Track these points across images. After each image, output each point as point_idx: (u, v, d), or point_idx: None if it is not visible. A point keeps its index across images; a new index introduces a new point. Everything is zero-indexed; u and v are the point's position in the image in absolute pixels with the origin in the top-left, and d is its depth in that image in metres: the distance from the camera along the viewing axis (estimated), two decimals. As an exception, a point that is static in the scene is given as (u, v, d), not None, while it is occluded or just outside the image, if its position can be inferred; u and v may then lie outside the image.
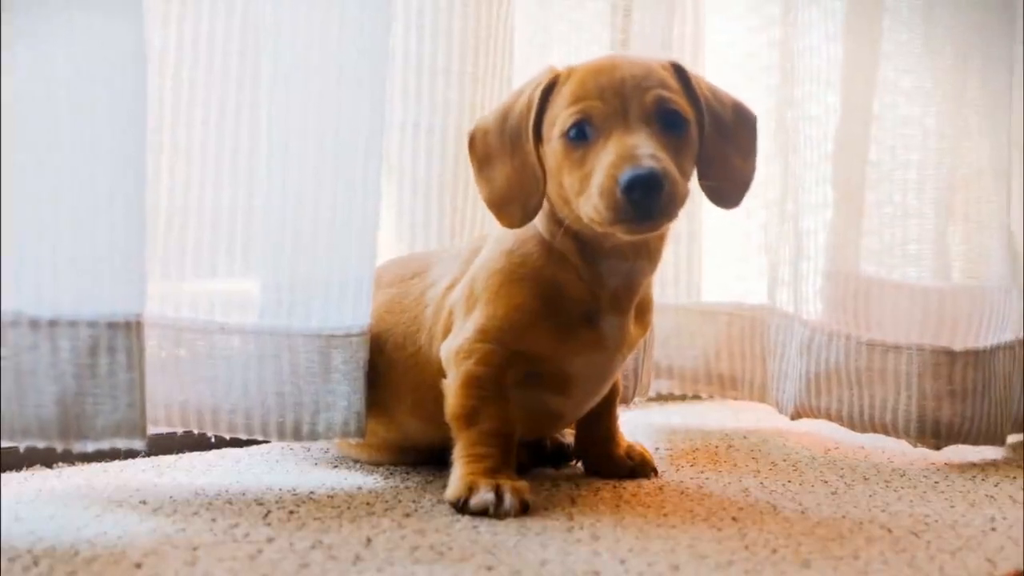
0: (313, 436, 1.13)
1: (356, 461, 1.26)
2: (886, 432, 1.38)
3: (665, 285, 1.56)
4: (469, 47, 1.35)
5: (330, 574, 0.84)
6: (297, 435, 1.13)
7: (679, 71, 1.08)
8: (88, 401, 0.97)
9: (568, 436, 1.28)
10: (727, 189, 1.10)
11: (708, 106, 1.08)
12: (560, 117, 1.04)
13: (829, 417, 1.41)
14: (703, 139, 1.07)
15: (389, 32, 1.15)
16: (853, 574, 0.87)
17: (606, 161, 0.99)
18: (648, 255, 1.10)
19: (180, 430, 1.14)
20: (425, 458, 1.22)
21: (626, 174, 0.96)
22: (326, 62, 1.11)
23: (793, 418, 1.44)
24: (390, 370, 1.16)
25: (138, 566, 0.85)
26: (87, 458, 1.19)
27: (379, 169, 1.14)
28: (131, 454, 1.22)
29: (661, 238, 1.10)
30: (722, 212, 1.58)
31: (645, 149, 0.98)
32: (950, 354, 1.35)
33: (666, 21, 1.45)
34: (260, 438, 1.14)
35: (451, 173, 1.35)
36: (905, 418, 1.36)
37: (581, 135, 1.02)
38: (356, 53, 1.11)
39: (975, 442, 1.37)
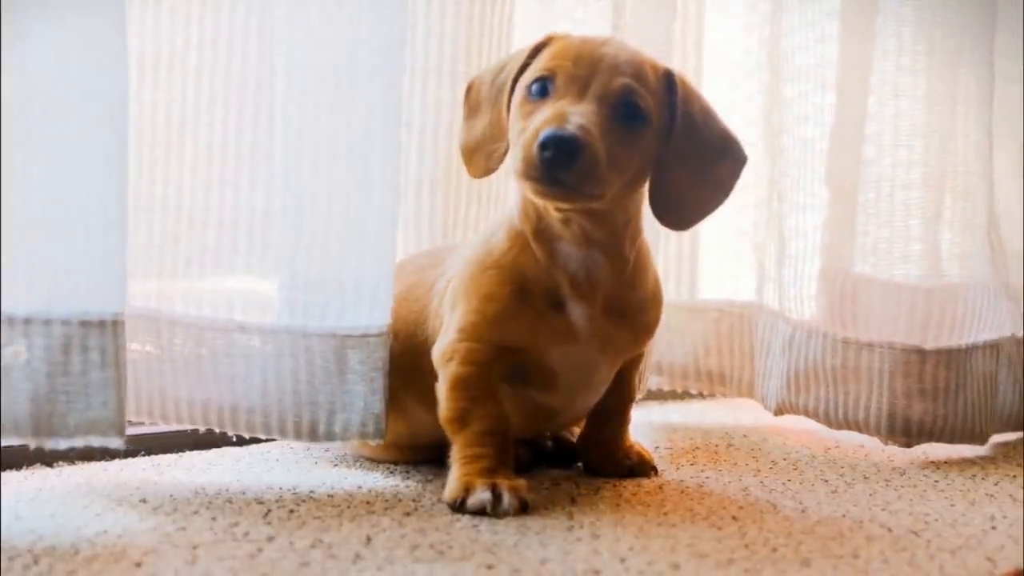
0: (330, 436, 1.13)
1: (358, 459, 1.25)
2: (859, 430, 1.38)
3: (666, 282, 1.56)
4: (461, 46, 1.34)
5: (330, 573, 0.84)
6: (313, 435, 1.13)
7: (668, 78, 1.07)
8: (61, 399, 0.97)
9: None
10: (675, 208, 1.09)
11: (687, 120, 1.07)
12: (530, 71, 1.05)
13: (807, 414, 1.42)
14: (670, 150, 1.06)
15: (405, 30, 1.15)
16: (853, 573, 0.87)
17: (539, 118, 1.00)
18: (601, 248, 1.08)
19: (203, 428, 1.15)
20: (432, 456, 1.21)
21: (545, 131, 0.97)
22: (341, 61, 1.11)
23: (776, 414, 1.45)
24: (402, 357, 1.16)
25: (138, 565, 0.85)
26: (87, 456, 1.19)
27: (396, 168, 1.14)
28: (131, 453, 1.22)
29: (615, 234, 1.08)
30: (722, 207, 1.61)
31: (577, 118, 0.98)
32: (921, 352, 1.36)
33: (666, 18, 1.45)
34: (277, 438, 1.15)
35: (442, 172, 1.35)
36: (876, 416, 1.36)
37: (542, 92, 1.03)
38: (371, 52, 1.11)
39: (950, 440, 1.37)
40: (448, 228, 1.37)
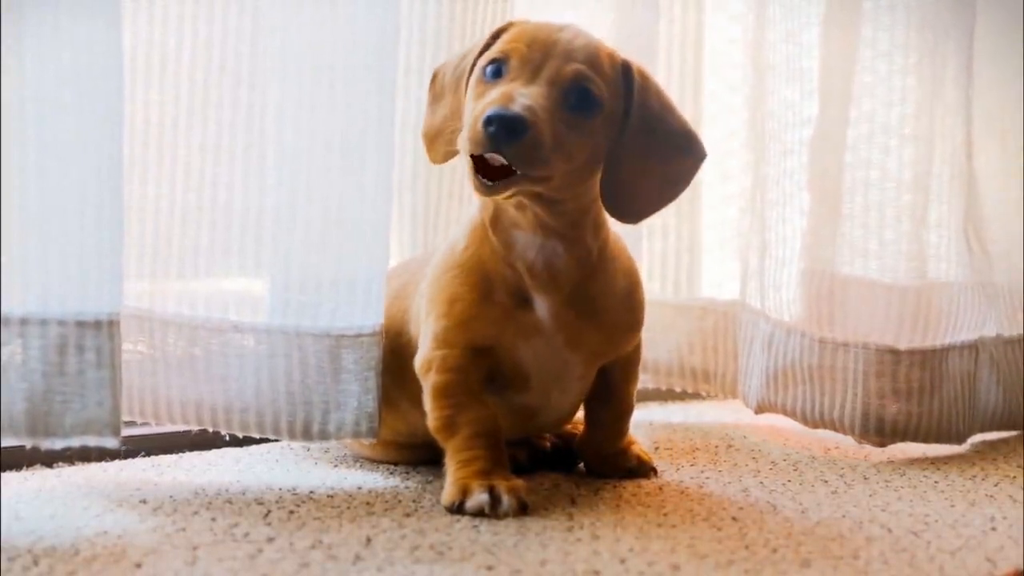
0: (324, 436, 1.14)
1: (358, 459, 1.25)
2: (834, 429, 1.39)
3: (652, 280, 1.56)
4: (443, 47, 1.34)
5: (330, 574, 0.84)
6: (307, 435, 1.13)
7: (625, 68, 1.07)
8: (56, 399, 0.97)
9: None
10: (626, 200, 1.07)
11: (642, 112, 1.06)
12: (486, 54, 1.05)
13: (785, 412, 1.43)
14: (624, 141, 1.05)
15: (398, 29, 1.15)
16: (853, 574, 0.87)
17: (489, 97, 1.00)
18: (561, 237, 1.07)
19: (195, 428, 1.15)
20: (432, 456, 1.21)
21: (491, 110, 0.97)
22: (335, 60, 1.11)
23: (757, 412, 1.46)
24: (392, 357, 1.16)
25: (138, 565, 0.85)
26: (86, 457, 1.19)
27: (390, 167, 1.14)
28: (131, 453, 1.22)
29: (574, 224, 1.07)
30: (715, 208, 1.60)
31: (524, 99, 0.98)
32: (894, 353, 1.36)
33: (649, 19, 1.45)
34: (272, 437, 1.15)
35: (433, 170, 1.35)
36: (851, 415, 1.37)
37: (496, 73, 1.03)
38: (365, 51, 1.12)
39: (925, 440, 1.38)
40: (440, 228, 1.37)
